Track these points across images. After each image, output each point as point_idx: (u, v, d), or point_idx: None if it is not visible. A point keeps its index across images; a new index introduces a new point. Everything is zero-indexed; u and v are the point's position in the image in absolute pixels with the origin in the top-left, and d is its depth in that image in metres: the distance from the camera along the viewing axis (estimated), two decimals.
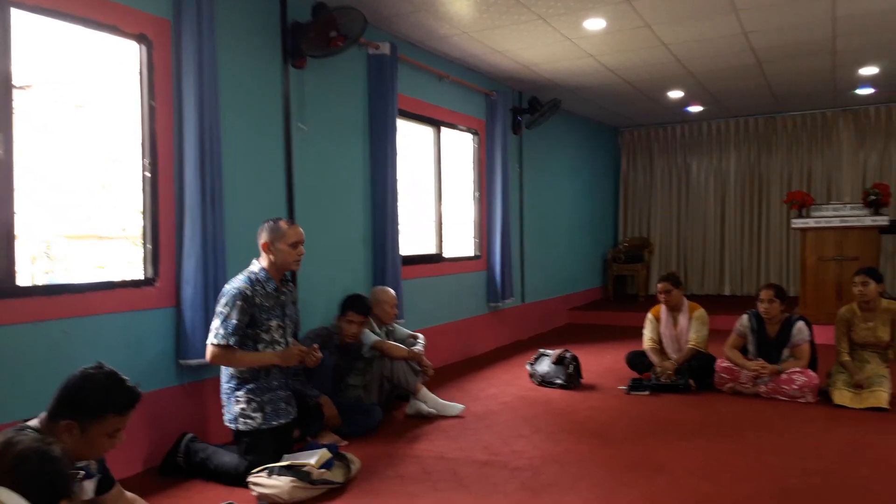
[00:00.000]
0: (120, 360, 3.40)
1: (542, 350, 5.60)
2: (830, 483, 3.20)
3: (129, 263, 3.64)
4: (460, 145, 6.78)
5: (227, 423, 3.38)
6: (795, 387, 4.69)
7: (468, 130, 6.73)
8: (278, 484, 3.06)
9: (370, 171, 5.21)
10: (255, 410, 3.32)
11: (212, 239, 3.68)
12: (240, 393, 3.33)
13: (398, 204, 5.27)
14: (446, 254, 6.40)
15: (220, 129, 3.78)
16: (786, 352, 4.85)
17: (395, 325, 4.95)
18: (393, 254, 5.19)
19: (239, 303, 3.26)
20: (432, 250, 6.26)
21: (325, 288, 4.51)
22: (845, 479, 3.25)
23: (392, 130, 5.16)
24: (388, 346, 4.52)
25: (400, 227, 5.32)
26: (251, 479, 3.14)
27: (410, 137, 5.99)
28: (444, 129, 6.34)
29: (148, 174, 3.59)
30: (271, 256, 3.40)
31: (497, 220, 6.90)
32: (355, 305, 4.30)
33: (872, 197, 6.99)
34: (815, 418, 4.30)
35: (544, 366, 5.40)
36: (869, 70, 7.14)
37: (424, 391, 4.54)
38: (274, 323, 3.39)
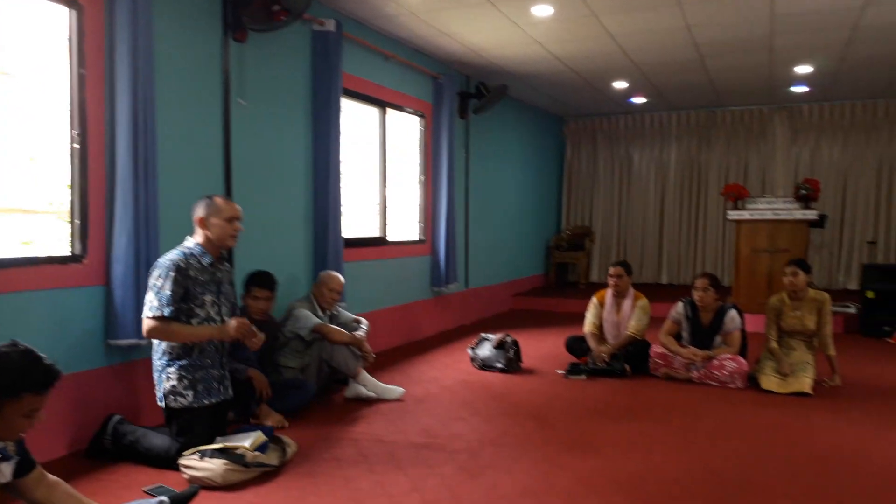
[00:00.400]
0: (45, 340, 3.27)
1: (483, 335, 5.64)
2: (755, 463, 3.32)
3: (58, 240, 3.48)
4: (406, 128, 6.72)
5: (159, 402, 3.26)
6: (726, 373, 4.84)
7: (414, 113, 6.68)
8: (211, 467, 2.99)
9: (312, 150, 5.11)
10: (186, 388, 3.21)
11: (144, 216, 3.55)
12: (171, 370, 3.22)
13: (341, 185, 5.19)
14: (390, 237, 6.36)
15: (154, 101, 3.64)
16: (718, 339, 5.00)
17: (340, 309, 4.89)
18: (335, 236, 5.12)
19: (172, 273, 3.15)
20: (376, 233, 6.21)
21: (264, 269, 4.41)
22: (769, 459, 3.38)
23: (336, 109, 5.07)
24: (330, 329, 4.46)
25: (343, 209, 5.25)
26: (182, 461, 3.06)
27: (356, 118, 5.91)
28: (389, 111, 6.28)
29: (77, 146, 3.43)
30: (207, 232, 3.30)
31: (442, 205, 6.88)
32: (259, 280, 4.17)
33: (803, 191, 7.26)
34: (743, 402, 4.45)
35: (485, 350, 5.43)
36: (804, 69, 7.39)
37: (364, 374, 4.51)
38: (208, 298, 3.28)
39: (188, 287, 3.20)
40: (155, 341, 3.26)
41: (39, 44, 3.39)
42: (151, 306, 3.15)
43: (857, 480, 3.10)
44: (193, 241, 3.32)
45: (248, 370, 3.86)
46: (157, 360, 3.27)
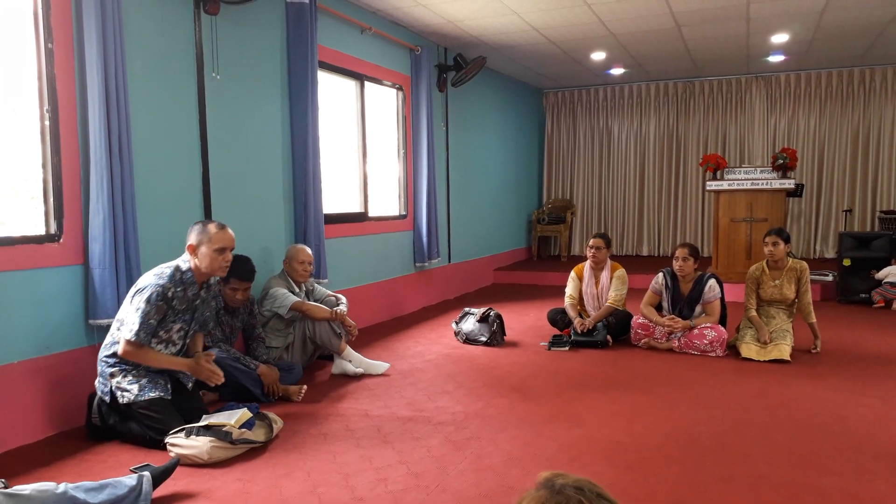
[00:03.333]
0: (25, 320, 3.24)
1: (467, 309, 5.65)
2: (735, 429, 3.38)
3: (32, 220, 3.41)
4: (385, 101, 6.65)
5: (102, 395, 3.22)
6: (706, 341, 4.90)
7: (393, 86, 6.61)
8: (197, 444, 2.98)
9: (290, 124, 5.04)
10: (130, 383, 3.18)
11: (120, 193, 3.49)
12: (115, 370, 3.20)
13: (320, 160, 5.13)
14: (372, 213, 6.32)
15: (126, 76, 3.55)
16: (698, 308, 5.06)
17: (315, 284, 4.86)
18: (315, 212, 5.08)
19: (159, 303, 3.12)
20: (357, 209, 6.16)
21: (243, 247, 4.35)
22: (748, 425, 3.44)
23: (313, 83, 5.00)
24: (309, 307, 4.44)
25: (323, 185, 5.20)
26: (169, 440, 3.05)
27: (334, 92, 5.82)
28: (367, 84, 6.20)
29: (48, 123, 3.35)
30: (196, 260, 3.24)
31: (423, 180, 6.85)
32: (238, 272, 4.01)
33: (781, 161, 7.32)
34: (723, 370, 4.52)
35: (469, 324, 5.45)
36: (780, 37, 7.40)
37: (349, 350, 4.51)
38: (177, 326, 3.28)
39: (165, 315, 3.19)
40: (107, 338, 3.23)
41: (4, 17, 3.28)
42: (132, 329, 3.10)
43: (835, 445, 3.16)
44: (188, 266, 3.26)
45: (259, 366, 3.91)
46: (104, 355, 3.24)
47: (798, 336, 4.96)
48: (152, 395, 3.19)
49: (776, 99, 9.73)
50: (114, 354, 3.21)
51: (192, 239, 3.24)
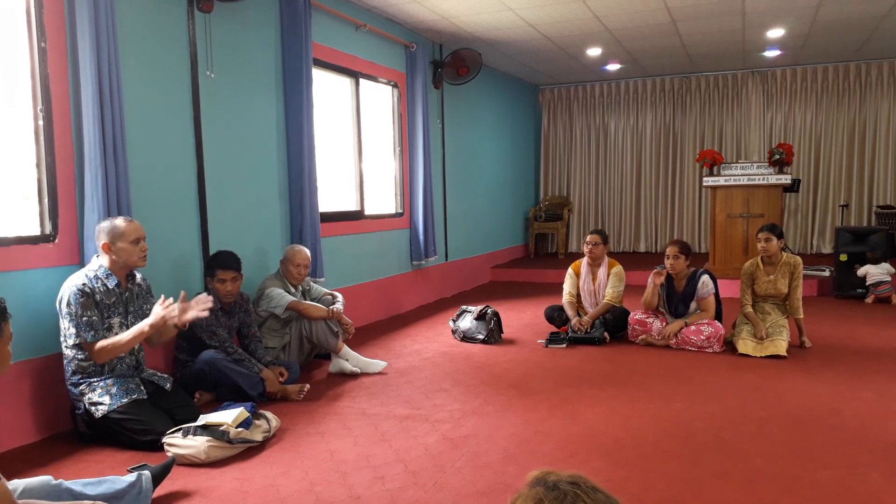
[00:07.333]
0: (21, 321, 3.22)
1: (464, 307, 5.65)
2: (731, 425, 3.38)
3: (26, 220, 3.40)
4: (380, 98, 6.64)
5: (80, 415, 3.21)
6: (703, 337, 4.91)
7: (388, 83, 6.59)
8: (194, 444, 2.98)
9: (285, 122, 5.03)
10: (100, 395, 3.17)
11: (115, 193, 3.49)
12: (83, 387, 3.19)
13: (315, 158, 5.12)
14: (368, 211, 6.31)
15: (119, 74, 3.54)
16: (693, 304, 5.06)
17: (312, 283, 4.85)
18: (311, 210, 5.07)
19: (82, 300, 3.13)
20: (353, 207, 6.15)
21: (238, 246, 4.34)
22: (745, 420, 3.44)
23: (307, 80, 4.99)
24: (306, 306, 4.43)
25: (318, 183, 5.19)
26: (166, 440, 3.04)
27: (328, 89, 5.81)
28: (362, 81, 6.19)
29: (42, 123, 3.34)
30: (113, 256, 3.25)
31: (419, 177, 6.84)
32: (220, 262, 4.01)
33: (777, 156, 7.32)
34: (720, 366, 4.52)
35: (466, 322, 5.45)
36: (776, 32, 7.40)
37: (346, 349, 4.50)
38: (115, 321, 3.27)
39: (97, 308, 3.19)
40: (65, 361, 3.21)
41: None
42: (69, 334, 3.14)
43: (831, 439, 3.17)
44: (98, 263, 3.28)
45: (263, 370, 3.90)
46: (68, 377, 3.23)
47: (793, 332, 4.97)
48: (125, 399, 3.18)
49: (772, 94, 9.73)
50: (74, 372, 3.20)
51: (105, 238, 3.24)
